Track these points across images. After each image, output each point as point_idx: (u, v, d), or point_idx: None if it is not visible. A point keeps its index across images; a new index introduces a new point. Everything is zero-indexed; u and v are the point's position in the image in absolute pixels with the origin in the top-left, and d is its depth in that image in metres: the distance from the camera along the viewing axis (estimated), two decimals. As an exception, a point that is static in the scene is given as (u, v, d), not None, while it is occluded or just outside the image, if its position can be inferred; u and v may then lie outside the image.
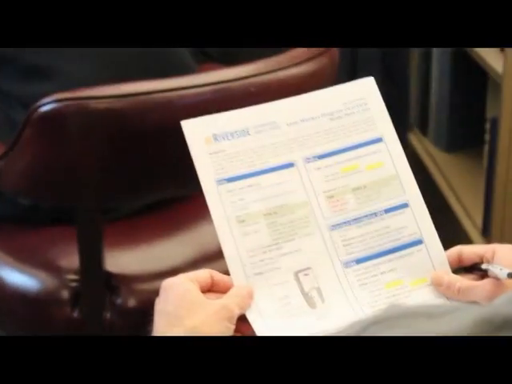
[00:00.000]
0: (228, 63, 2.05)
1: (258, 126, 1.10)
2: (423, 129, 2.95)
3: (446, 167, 2.69)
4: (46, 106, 1.52)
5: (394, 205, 1.07)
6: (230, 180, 1.08)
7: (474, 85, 2.72)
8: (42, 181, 1.62)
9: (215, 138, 1.10)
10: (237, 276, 1.00)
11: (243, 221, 1.03)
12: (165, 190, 1.73)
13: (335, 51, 1.76)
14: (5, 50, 1.70)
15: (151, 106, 1.56)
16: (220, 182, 1.07)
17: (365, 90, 1.16)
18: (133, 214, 1.81)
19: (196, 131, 1.11)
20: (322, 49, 1.73)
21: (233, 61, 2.06)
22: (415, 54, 2.90)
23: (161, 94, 1.56)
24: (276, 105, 1.15)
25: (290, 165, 1.07)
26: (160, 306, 0.96)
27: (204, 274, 0.99)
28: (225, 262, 1.03)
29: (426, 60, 2.85)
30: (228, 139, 1.11)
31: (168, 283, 0.97)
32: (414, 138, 2.95)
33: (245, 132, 1.10)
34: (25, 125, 1.55)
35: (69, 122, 1.54)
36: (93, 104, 1.53)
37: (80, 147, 1.56)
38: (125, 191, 1.67)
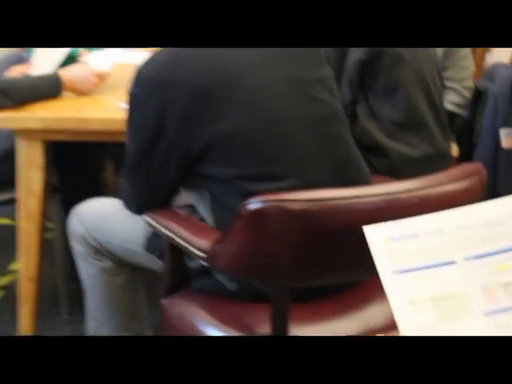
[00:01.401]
0: (391, 176, 2.10)
1: (426, 231, 1.15)
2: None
3: None
4: (253, 204, 1.56)
5: None
6: (404, 272, 1.12)
7: None
8: (247, 263, 1.64)
9: (392, 239, 1.15)
10: None
11: (414, 303, 1.08)
12: (342, 276, 1.72)
13: (484, 172, 1.73)
14: (231, 177, 1.70)
15: (336, 210, 1.57)
16: (395, 272, 1.11)
17: None
18: (315, 295, 1.78)
19: (376, 233, 1.17)
20: (474, 169, 1.73)
21: (396, 175, 2.10)
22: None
23: (344, 201, 1.57)
24: (442, 214, 1.20)
25: (452, 262, 1.11)
26: None
27: None
28: (389, 336, 1.07)
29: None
30: (402, 241, 1.16)
31: None
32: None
33: (416, 235, 1.15)
34: (236, 218, 1.58)
35: (270, 219, 1.56)
36: (290, 205, 1.55)
37: (278, 239, 1.58)
38: (311, 276, 1.67)
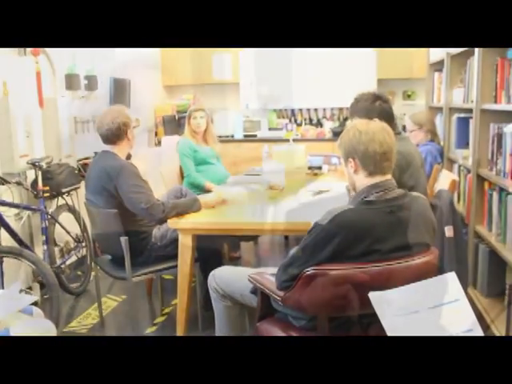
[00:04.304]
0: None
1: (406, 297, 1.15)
2: (474, 283, 2.79)
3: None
4: (309, 272, 1.54)
5: None
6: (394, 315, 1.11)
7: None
8: (304, 303, 1.59)
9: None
10: None
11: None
12: (357, 311, 1.56)
13: (437, 252, 1.64)
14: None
15: (352, 274, 1.52)
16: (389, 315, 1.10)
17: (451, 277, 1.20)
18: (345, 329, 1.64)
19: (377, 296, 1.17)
20: (433, 250, 1.63)
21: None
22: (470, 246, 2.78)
23: (358, 270, 1.51)
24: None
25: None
26: None
27: None
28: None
29: (476, 249, 2.72)
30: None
31: None
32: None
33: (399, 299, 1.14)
34: (298, 279, 1.57)
35: (317, 279, 1.54)
36: (329, 272, 1.53)
37: (321, 292, 1.55)
38: (339, 311, 1.58)
